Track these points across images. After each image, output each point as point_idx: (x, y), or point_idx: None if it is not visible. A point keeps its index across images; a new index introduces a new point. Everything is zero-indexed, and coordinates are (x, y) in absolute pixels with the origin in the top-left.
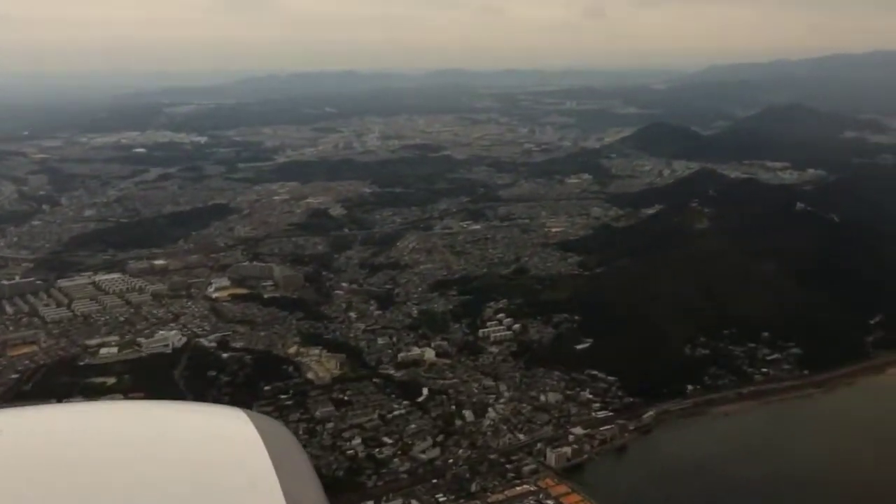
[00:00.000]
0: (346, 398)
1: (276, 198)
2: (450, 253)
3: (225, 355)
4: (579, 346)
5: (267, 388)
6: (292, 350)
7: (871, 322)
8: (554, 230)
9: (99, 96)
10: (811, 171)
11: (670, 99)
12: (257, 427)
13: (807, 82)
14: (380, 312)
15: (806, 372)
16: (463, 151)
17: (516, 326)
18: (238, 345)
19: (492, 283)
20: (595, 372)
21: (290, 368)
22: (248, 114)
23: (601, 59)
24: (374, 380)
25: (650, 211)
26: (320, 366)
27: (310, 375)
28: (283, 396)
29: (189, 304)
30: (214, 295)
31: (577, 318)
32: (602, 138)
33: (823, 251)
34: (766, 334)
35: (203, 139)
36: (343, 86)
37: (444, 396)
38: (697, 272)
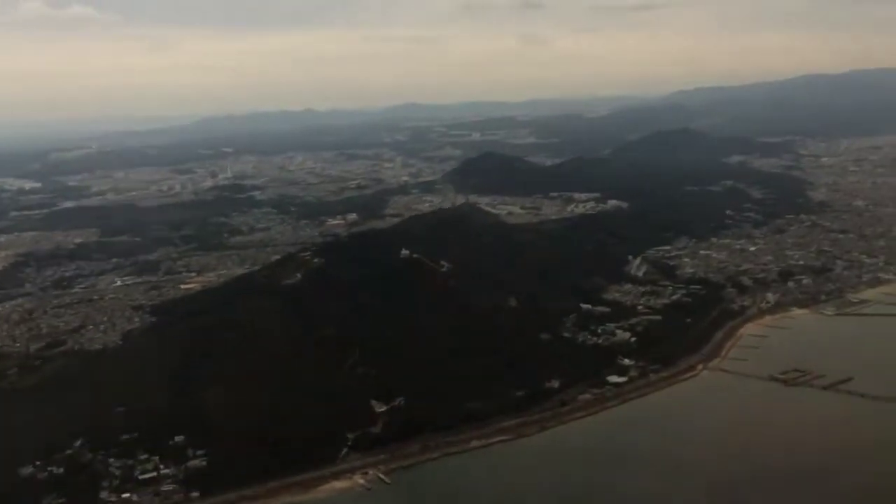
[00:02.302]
0: None
1: None
2: (13, 323)
3: None
4: None
5: None
6: None
7: (382, 410)
8: (191, 285)
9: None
10: (612, 202)
11: (589, 128)
12: None
13: (757, 105)
14: None
15: (195, 494)
16: (276, 191)
17: None
18: None
19: None
20: None
21: None
22: (132, 157)
23: (571, 88)
24: None
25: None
26: None
27: None
28: None
29: None
30: None
31: None
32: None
33: (392, 314)
34: (180, 438)
35: (35, 185)
36: (293, 123)
37: None
38: (201, 350)
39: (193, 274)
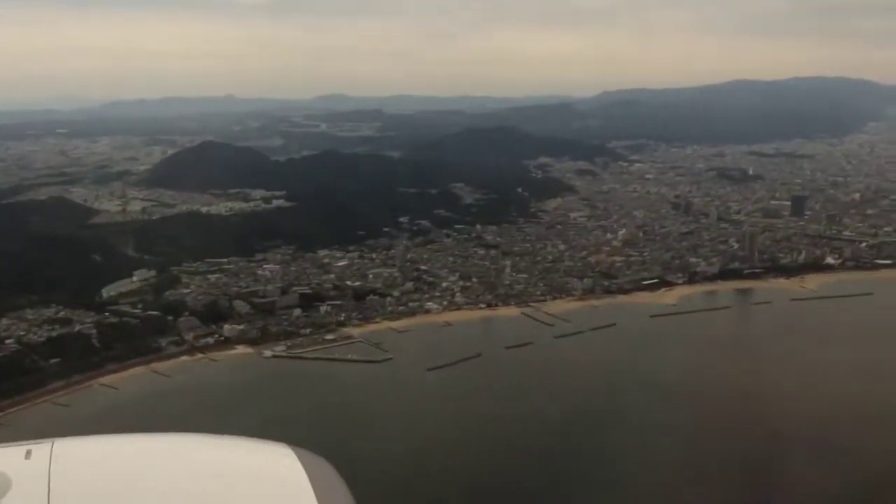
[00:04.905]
0: None
1: None
2: None
3: None
4: None
5: None
6: None
7: None
8: None
9: None
10: (277, 202)
11: (450, 124)
12: (303, 464)
13: (667, 108)
14: None
15: None
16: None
17: None
18: None
19: None
20: None
21: None
22: None
23: (508, 86)
24: None
25: None
26: None
27: None
28: None
29: None
30: None
31: None
32: None
33: None
34: None
35: None
36: (204, 109)
37: None
38: None
39: None
